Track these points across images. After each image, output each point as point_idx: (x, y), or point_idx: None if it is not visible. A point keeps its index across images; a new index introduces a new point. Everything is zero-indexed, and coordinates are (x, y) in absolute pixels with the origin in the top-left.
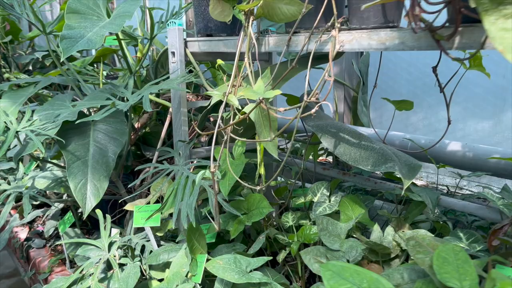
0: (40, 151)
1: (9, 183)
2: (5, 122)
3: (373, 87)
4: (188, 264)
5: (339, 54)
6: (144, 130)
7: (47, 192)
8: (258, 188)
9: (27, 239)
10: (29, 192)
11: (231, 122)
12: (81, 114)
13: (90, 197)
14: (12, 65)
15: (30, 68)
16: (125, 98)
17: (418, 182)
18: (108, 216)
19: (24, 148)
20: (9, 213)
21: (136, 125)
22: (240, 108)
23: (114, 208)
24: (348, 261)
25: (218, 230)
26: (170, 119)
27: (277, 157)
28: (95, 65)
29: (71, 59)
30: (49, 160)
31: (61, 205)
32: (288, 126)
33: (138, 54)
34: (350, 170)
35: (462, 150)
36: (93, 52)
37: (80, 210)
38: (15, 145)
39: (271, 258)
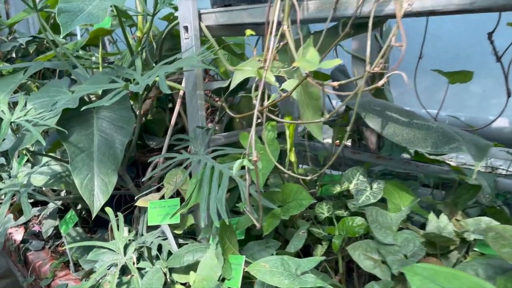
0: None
1: (2, 181)
2: None
3: (419, 58)
4: (220, 267)
5: (378, 23)
6: (145, 118)
7: (43, 188)
8: (304, 177)
9: (23, 241)
10: (27, 190)
11: (267, 102)
12: (82, 101)
13: (98, 194)
14: None
15: (14, 55)
16: (131, 81)
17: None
18: (120, 215)
19: (20, 141)
20: None
21: (137, 112)
22: (276, 85)
23: (119, 204)
24: (405, 256)
25: (259, 227)
26: (180, 104)
27: (322, 140)
28: (88, 48)
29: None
30: (44, 153)
31: (59, 203)
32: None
33: (138, 34)
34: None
35: (509, 127)
36: (79, 36)
37: (80, 207)
38: (3, 139)
39: (323, 258)
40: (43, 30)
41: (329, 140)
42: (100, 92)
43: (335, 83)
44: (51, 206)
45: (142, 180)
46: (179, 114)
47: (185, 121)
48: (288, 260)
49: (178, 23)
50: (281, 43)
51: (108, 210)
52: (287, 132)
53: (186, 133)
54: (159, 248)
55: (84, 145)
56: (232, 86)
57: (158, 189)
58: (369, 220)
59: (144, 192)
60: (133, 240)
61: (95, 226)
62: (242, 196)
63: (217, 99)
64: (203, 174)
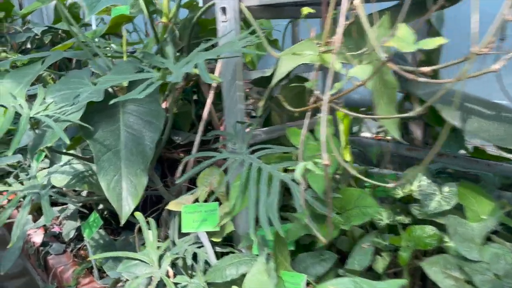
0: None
1: (21, 181)
2: (13, 107)
3: (501, 40)
4: (272, 285)
5: None
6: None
7: (63, 188)
8: (385, 184)
9: (43, 244)
10: (48, 192)
11: (330, 92)
12: (106, 94)
13: (127, 198)
14: (7, 44)
15: (28, 46)
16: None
17: None
18: (151, 221)
19: (40, 138)
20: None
21: (163, 105)
22: (343, 71)
23: (144, 204)
24: (497, 276)
25: (325, 242)
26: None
27: (399, 137)
28: (108, 37)
29: (69, 35)
30: (64, 151)
31: (80, 204)
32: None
33: (163, 19)
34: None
35: None
36: (94, 26)
37: (102, 207)
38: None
39: (404, 282)
40: (63, 16)
41: (367, 134)
42: (125, 83)
43: (427, 68)
44: (72, 206)
45: (176, 181)
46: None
47: (213, 115)
48: (362, 283)
49: (209, 7)
50: (347, 23)
51: (138, 215)
52: (341, 127)
53: (213, 128)
54: (194, 256)
55: (110, 142)
56: (280, 75)
57: (188, 189)
58: (449, 231)
59: (176, 193)
60: (167, 250)
61: (118, 227)
62: (296, 203)
63: (247, 89)
64: (248, 176)
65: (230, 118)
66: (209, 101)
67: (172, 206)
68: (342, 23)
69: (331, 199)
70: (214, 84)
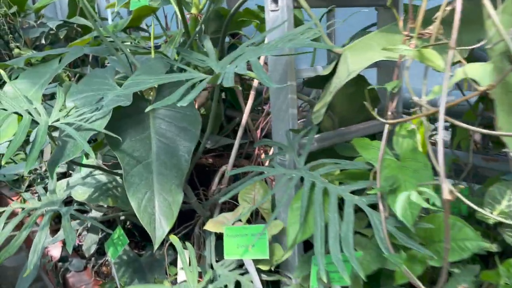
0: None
1: (38, 197)
2: (29, 113)
3: None
4: None
5: None
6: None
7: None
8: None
9: (62, 259)
10: (70, 210)
11: (425, 98)
12: (134, 96)
13: (160, 219)
14: (20, 40)
15: (43, 42)
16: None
17: None
18: (190, 247)
19: (61, 151)
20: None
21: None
22: (443, 70)
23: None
24: None
25: (417, 284)
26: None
27: None
28: (128, 31)
29: (85, 29)
30: (83, 163)
31: (99, 214)
32: None
33: (193, 11)
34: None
35: None
36: (110, 20)
37: (123, 217)
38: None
39: None
40: (84, 9)
41: None
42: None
43: None
44: (93, 215)
45: (212, 193)
46: (233, 107)
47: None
48: None
49: None
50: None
51: (174, 239)
52: (418, 137)
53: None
54: (237, 284)
55: (140, 153)
56: (351, 73)
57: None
58: None
59: (210, 207)
60: (208, 281)
61: (142, 239)
62: (377, 235)
63: None
64: (310, 198)
65: (279, 124)
66: (250, 102)
67: (210, 226)
68: (420, 17)
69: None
70: (255, 83)
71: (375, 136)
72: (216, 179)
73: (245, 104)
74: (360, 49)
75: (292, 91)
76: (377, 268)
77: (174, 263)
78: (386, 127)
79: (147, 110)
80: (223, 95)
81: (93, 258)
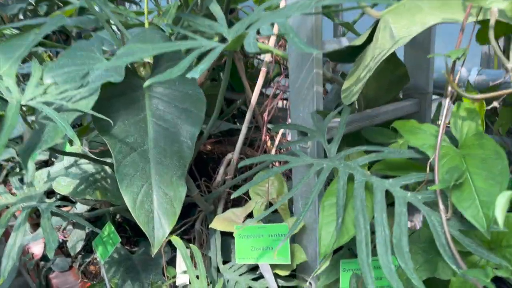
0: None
1: (13, 191)
2: None
3: None
4: None
5: None
6: None
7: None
8: None
9: (44, 258)
10: (51, 207)
11: None
12: (126, 71)
13: (160, 217)
14: None
15: (21, 18)
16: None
17: None
18: (196, 249)
19: (38, 136)
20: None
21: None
22: None
23: None
24: None
25: None
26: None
27: None
28: (115, 2)
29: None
30: (66, 151)
31: (85, 207)
32: None
33: None
34: None
35: None
36: None
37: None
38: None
39: None
40: None
41: None
42: (149, 58)
43: None
44: (78, 209)
45: (214, 185)
46: (232, 89)
47: (249, 94)
48: None
49: None
50: None
51: (176, 241)
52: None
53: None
54: None
55: (134, 139)
56: (400, 41)
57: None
58: None
59: (213, 201)
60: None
61: (135, 234)
62: (437, 240)
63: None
64: (349, 195)
65: (299, 105)
66: (260, 81)
67: (217, 224)
68: None
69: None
70: (267, 58)
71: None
72: (222, 169)
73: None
74: (405, 12)
75: (318, 64)
76: (426, 278)
77: (171, 262)
78: (446, 105)
79: (145, 84)
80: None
81: (79, 256)
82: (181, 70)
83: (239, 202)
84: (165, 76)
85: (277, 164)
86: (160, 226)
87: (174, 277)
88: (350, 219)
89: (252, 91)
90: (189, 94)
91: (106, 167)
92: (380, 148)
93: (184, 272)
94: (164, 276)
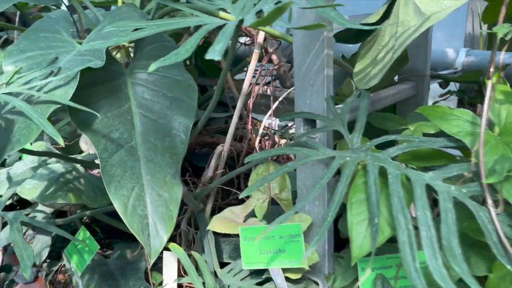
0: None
1: None
2: None
3: None
4: None
5: None
6: None
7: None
8: None
9: (4, 268)
10: (20, 217)
11: None
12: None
13: (155, 224)
14: None
15: None
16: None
17: None
18: (198, 255)
19: (6, 135)
20: None
21: None
22: None
23: None
24: None
25: None
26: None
27: None
28: None
29: None
30: (34, 151)
31: (46, 209)
32: None
33: None
34: None
35: None
36: None
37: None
38: None
39: None
40: None
41: None
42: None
43: None
44: (43, 213)
45: (203, 179)
46: (202, 74)
47: (229, 80)
48: None
49: None
50: None
51: (176, 248)
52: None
53: (226, 105)
54: None
55: (120, 134)
56: (432, 19)
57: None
58: None
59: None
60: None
61: (106, 236)
62: (489, 238)
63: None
64: (384, 190)
65: (306, 91)
66: (253, 63)
67: (217, 225)
68: None
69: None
70: (260, 38)
71: (395, 105)
72: (213, 163)
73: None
74: None
75: (329, 44)
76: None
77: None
78: (489, 87)
79: (151, 68)
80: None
81: (45, 265)
82: (188, 51)
83: (227, 197)
84: (171, 59)
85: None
86: (156, 234)
87: (161, 283)
88: (383, 217)
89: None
90: (178, 80)
91: (78, 166)
92: (410, 137)
93: (180, 279)
94: (146, 281)
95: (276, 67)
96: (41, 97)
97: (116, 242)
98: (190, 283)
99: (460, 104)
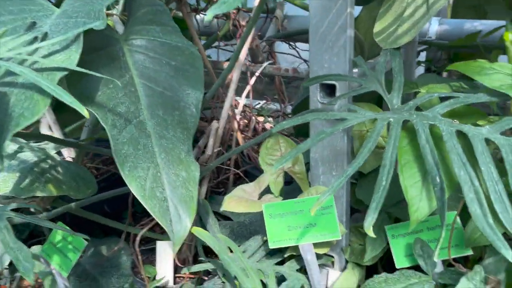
0: None
1: None
2: None
3: None
4: None
5: None
6: None
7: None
8: None
9: None
10: (5, 213)
11: None
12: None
13: (176, 207)
14: None
15: None
16: None
17: None
18: (228, 240)
19: (3, 110)
20: None
21: None
22: None
23: (119, 204)
24: None
25: None
26: None
27: None
28: None
29: None
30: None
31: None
32: None
33: None
34: None
35: None
36: None
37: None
38: None
39: None
40: None
41: None
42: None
43: None
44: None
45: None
46: None
47: (206, 61)
48: None
49: None
50: None
51: (201, 233)
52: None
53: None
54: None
55: (126, 108)
56: None
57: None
58: None
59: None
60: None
61: (78, 230)
62: None
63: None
64: (429, 150)
65: (323, 54)
66: (249, 39)
67: (232, 205)
68: None
69: None
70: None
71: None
72: (211, 141)
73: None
74: None
75: (352, 2)
76: None
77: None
78: None
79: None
80: None
81: (6, 271)
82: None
83: (218, 177)
84: (222, 7)
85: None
86: (178, 219)
87: (155, 277)
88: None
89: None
90: (179, 47)
91: (52, 153)
92: (454, 94)
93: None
94: (135, 276)
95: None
96: (43, 63)
97: (86, 231)
98: (191, 274)
99: (428, 73)
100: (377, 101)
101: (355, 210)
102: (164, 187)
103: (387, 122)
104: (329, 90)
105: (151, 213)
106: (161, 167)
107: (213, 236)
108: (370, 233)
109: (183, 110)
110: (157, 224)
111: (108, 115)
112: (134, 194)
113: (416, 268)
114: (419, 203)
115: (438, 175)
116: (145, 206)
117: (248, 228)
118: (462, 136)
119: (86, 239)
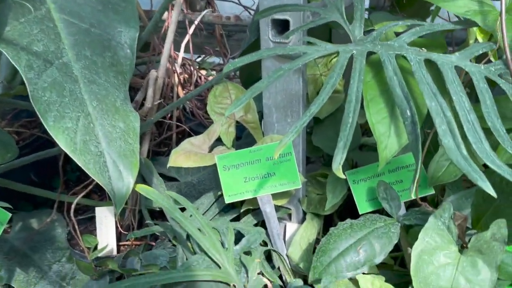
0: None
1: None
2: None
3: None
4: None
5: None
6: None
7: None
8: None
9: None
10: None
11: None
12: None
13: (115, 162)
14: None
15: None
16: None
17: None
18: (188, 204)
19: None
20: None
21: None
22: None
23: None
24: None
25: None
26: None
27: None
28: None
29: None
30: None
31: None
32: None
33: None
34: None
35: None
36: None
37: None
38: None
39: None
40: None
41: None
42: None
43: None
44: None
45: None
46: None
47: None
48: None
49: None
50: None
51: (147, 190)
52: None
53: None
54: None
55: (44, 47)
56: None
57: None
58: None
59: None
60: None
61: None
62: None
63: None
64: (398, 83)
65: None
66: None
67: (180, 160)
68: None
69: None
70: None
71: None
72: (150, 91)
73: None
74: None
75: None
76: None
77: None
78: None
79: None
80: None
81: None
82: None
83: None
84: None
85: None
86: (119, 175)
87: (96, 246)
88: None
89: None
90: None
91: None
92: (419, 22)
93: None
94: (72, 248)
95: None
96: None
97: (13, 212)
98: (137, 241)
99: None
100: (328, 40)
101: (308, 161)
102: (99, 140)
103: (350, 55)
104: (281, 28)
105: (86, 170)
106: (93, 117)
107: (161, 194)
108: (340, 173)
109: (116, 50)
110: (93, 190)
111: (21, 54)
112: (63, 149)
113: (380, 212)
114: (388, 140)
115: (408, 108)
116: (77, 163)
117: (196, 188)
118: (430, 65)
119: (10, 210)
